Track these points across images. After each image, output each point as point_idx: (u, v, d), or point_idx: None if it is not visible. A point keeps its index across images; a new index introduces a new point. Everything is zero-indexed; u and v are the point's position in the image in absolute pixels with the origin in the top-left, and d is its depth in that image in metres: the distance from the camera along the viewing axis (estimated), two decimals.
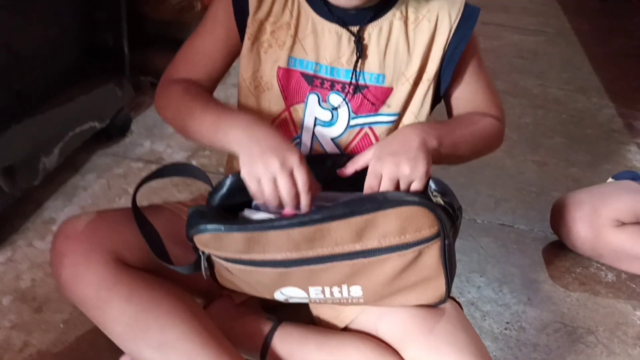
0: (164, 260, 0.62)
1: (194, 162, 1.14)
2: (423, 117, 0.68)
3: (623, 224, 0.94)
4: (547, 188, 1.16)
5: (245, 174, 0.58)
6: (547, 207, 1.04)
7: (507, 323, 0.86)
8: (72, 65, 1.06)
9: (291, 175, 0.57)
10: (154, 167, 1.10)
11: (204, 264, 0.60)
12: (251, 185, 0.58)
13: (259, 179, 0.57)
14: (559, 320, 0.88)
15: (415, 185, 0.59)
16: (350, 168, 0.63)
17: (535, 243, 1.03)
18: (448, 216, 0.58)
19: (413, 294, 0.62)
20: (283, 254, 0.58)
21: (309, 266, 0.58)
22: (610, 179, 1.05)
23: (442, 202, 0.58)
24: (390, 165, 0.59)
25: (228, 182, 0.61)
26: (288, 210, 0.59)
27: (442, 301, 0.63)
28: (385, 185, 0.59)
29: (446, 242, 0.58)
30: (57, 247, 0.62)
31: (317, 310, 0.69)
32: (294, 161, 0.57)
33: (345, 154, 0.67)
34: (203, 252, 0.60)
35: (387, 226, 0.56)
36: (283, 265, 0.58)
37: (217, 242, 0.58)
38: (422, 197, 0.58)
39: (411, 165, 0.59)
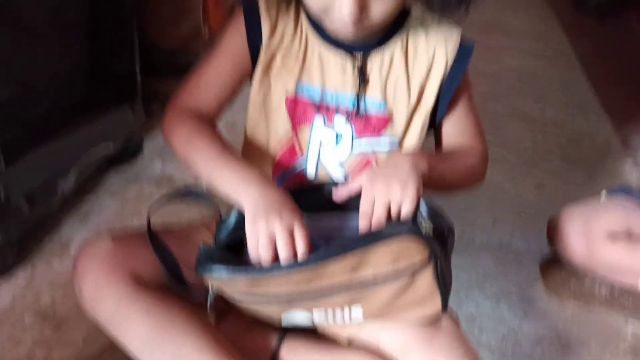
0: (177, 282, 0.66)
1: (203, 184, 1.19)
2: (421, 145, 0.73)
3: (616, 237, 0.98)
4: (544, 209, 1.19)
5: (248, 227, 0.61)
6: (544, 227, 1.07)
7: (504, 337, 0.90)
8: (87, 92, 1.12)
9: (291, 235, 0.61)
10: (165, 189, 1.16)
11: (210, 298, 0.65)
12: (250, 241, 0.61)
13: (257, 235, 0.61)
14: (553, 334, 0.91)
15: (406, 208, 0.63)
16: (345, 192, 0.67)
17: (532, 261, 1.07)
18: (438, 239, 0.62)
19: (411, 311, 0.66)
20: (285, 289, 0.62)
21: (310, 298, 0.63)
22: (603, 193, 1.08)
23: (430, 226, 0.62)
24: (381, 187, 0.63)
25: (233, 217, 0.66)
26: None
27: (439, 315, 0.67)
28: (379, 209, 0.63)
29: (438, 263, 0.62)
30: (79, 266, 0.67)
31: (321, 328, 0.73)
32: (296, 221, 0.61)
33: (342, 183, 0.71)
34: (212, 286, 0.64)
35: (379, 258, 0.61)
36: (285, 298, 0.63)
37: (222, 282, 0.63)
38: (411, 226, 0.62)
39: (402, 187, 0.63)
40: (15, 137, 0.91)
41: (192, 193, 0.73)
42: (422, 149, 0.75)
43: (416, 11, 0.72)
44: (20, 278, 0.92)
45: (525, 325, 0.92)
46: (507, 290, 0.99)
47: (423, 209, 0.64)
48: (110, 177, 1.16)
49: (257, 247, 0.61)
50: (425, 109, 0.72)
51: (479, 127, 0.78)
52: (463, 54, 0.72)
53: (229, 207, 0.67)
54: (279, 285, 0.61)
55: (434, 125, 0.76)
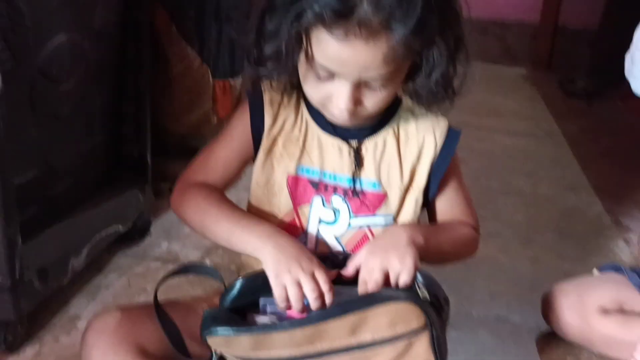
0: (182, 353, 0.69)
1: (207, 261, 1.23)
2: (416, 220, 0.79)
3: (608, 311, 1.01)
4: (540, 282, 1.22)
5: (272, 280, 0.67)
6: (540, 300, 1.10)
7: None
8: (101, 175, 1.19)
9: (313, 277, 0.66)
10: (171, 266, 1.19)
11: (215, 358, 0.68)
12: (277, 290, 0.67)
13: (284, 284, 0.66)
14: None
15: (404, 278, 0.67)
16: (351, 267, 0.72)
17: (530, 334, 1.09)
18: (434, 307, 0.66)
19: None
20: (287, 352, 0.65)
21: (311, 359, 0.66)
22: (595, 271, 1.12)
23: (427, 294, 0.66)
24: (380, 260, 0.68)
25: (238, 285, 0.70)
26: (294, 313, 0.68)
27: None
28: (376, 274, 0.67)
29: (434, 332, 0.66)
30: (88, 340, 0.70)
31: None
32: (314, 266, 0.67)
33: (343, 253, 0.76)
34: (215, 351, 0.68)
35: (378, 321, 0.65)
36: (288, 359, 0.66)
37: (227, 343, 0.66)
38: (409, 292, 0.67)
39: (400, 259, 0.68)
40: (34, 215, 0.96)
41: (197, 267, 0.78)
42: (418, 222, 0.80)
43: (407, 101, 0.80)
44: (28, 352, 0.94)
45: None
46: None
47: (419, 278, 0.68)
48: (118, 255, 1.21)
49: (285, 297, 0.66)
50: (418, 188, 0.78)
51: (469, 202, 0.84)
52: (451, 138, 0.79)
53: (232, 278, 0.72)
54: (281, 346, 0.64)
55: (427, 203, 0.81)
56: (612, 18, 2.49)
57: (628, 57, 1.29)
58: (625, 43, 1.32)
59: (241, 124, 0.79)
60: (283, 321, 0.66)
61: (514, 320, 1.12)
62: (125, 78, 1.19)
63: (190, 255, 1.25)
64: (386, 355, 0.66)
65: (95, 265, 1.15)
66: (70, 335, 0.99)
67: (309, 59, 0.68)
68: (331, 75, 0.68)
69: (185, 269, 0.79)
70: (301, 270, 0.67)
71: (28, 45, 0.90)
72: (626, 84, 1.34)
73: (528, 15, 2.91)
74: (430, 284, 0.68)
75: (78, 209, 1.08)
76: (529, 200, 1.61)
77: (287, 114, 0.77)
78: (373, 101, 0.70)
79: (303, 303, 0.66)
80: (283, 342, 0.65)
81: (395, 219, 0.79)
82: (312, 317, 0.65)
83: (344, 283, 0.71)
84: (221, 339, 0.65)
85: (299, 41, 0.67)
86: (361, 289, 0.68)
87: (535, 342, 1.07)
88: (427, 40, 0.67)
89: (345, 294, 0.69)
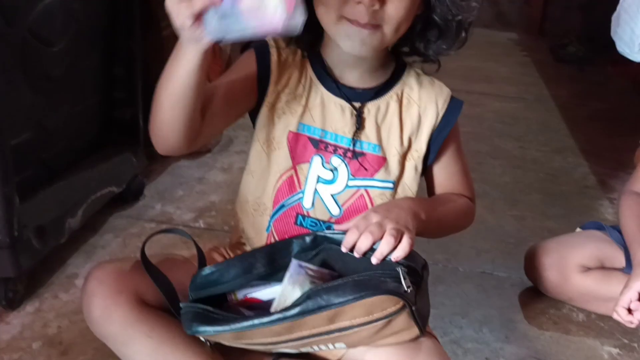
0: (174, 308, 0.72)
1: (200, 222, 1.26)
2: (414, 188, 0.81)
3: (589, 269, 1.04)
4: (524, 239, 1.26)
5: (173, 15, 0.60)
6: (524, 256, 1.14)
7: (487, 358, 0.95)
8: (94, 137, 1.20)
9: None
10: (165, 227, 1.22)
11: (203, 339, 0.71)
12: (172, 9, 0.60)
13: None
14: (533, 356, 0.96)
15: (398, 253, 0.68)
16: (344, 225, 0.73)
17: (513, 288, 1.13)
18: (413, 276, 0.68)
19: (391, 340, 0.71)
20: (268, 339, 0.69)
21: (292, 342, 0.69)
22: (578, 229, 1.15)
23: (404, 271, 0.67)
24: (381, 217, 0.70)
25: (201, 277, 0.72)
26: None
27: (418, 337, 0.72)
28: (373, 231, 0.68)
29: (413, 308, 0.67)
30: (88, 289, 0.73)
31: None
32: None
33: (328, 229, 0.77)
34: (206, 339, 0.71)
35: (355, 312, 0.66)
36: (270, 344, 0.70)
37: (211, 337, 0.69)
38: (385, 279, 0.67)
39: (398, 225, 0.69)
40: (30, 176, 0.98)
41: (175, 231, 0.82)
42: (418, 194, 0.81)
43: (413, 70, 0.81)
44: (29, 308, 0.97)
45: (507, 348, 0.98)
46: (490, 316, 1.05)
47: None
48: (114, 217, 1.23)
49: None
50: (417, 155, 0.80)
51: (467, 175, 0.86)
52: (452, 109, 0.81)
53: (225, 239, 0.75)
54: (262, 336, 0.67)
55: (425, 170, 0.83)
56: None
57: (614, 18, 1.31)
58: (616, 8, 1.33)
59: (245, 72, 0.78)
60: (261, 317, 0.66)
61: (498, 275, 1.16)
62: (117, 40, 1.19)
63: (184, 216, 1.27)
64: (366, 332, 0.68)
65: (91, 226, 1.17)
66: (68, 293, 1.02)
67: None
68: None
69: (165, 231, 0.81)
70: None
71: (18, 6, 0.91)
72: (616, 49, 1.36)
73: None
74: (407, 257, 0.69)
75: (73, 170, 1.10)
76: (516, 163, 1.64)
77: (292, 71, 0.78)
78: (395, 4, 0.69)
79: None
80: (263, 334, 0.67)
81: (395, 184, 0.80)
82: (287, 315, 0.65)
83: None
84: (204, 335, 0.69)
85: None
86: (350, 237, 0.69)
87: (518, 296, 1.11)
88: None
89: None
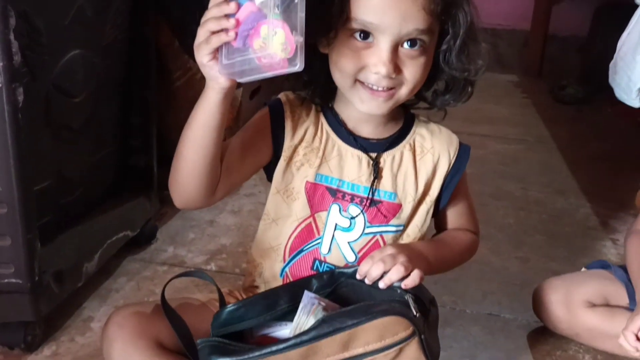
0: (190, 352, 0.75)
1: (212, 264, 1.29)
2: (424, 229, 0.86)
3: (594, 305, 1.07)
4: (529, 281, 1.28)
5: (197, 50, 0.68)
6: (530, 298, 1.16)
7: None
8: (110, 183, 1.24)
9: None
10: (177, 270, 1.25)
11: None
12: (200, 38, 0.67)
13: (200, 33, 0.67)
14: None
15: (408, 282, 0.73)
16: (364, 268, 0.76)
17: (520, 330, 1.15)
18: (420, 308, 0.71)
19: None
20: None
21: None
22: (583, 269, 1.18)
23: (412, 298, 0.71)
24: (394, 253, 0.75)
25: (225, 314, 0.74)
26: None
27: None
28: (384, 258, 0.74)
29: (422, 337, 0.71)
30: (108, 334, 0.76)
31: None
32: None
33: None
34: None
35: (367, 336, 0.69)
36: None
37: None
38: (395, 305, 0.71)
39: (410, 261, 0.74)
40: (49, 222, 1.02)
41: (195, 274, 0.84)
42: (425, 236, 0.87)
43: (420, 119, 0.86)
44: (46, 352, 0.99)
45: None
46: (498, 358, 1.07)
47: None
48: (127, 260, 1.26)
49: (207, 32, 0.66)
50: (430, 200, 0.85)
51: (473, 212, 0.93)
52: (462, 155, 0.86)
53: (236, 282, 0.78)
54: None
55: (436, 212, 0.88)
56: (601, 26, 2.56)
57: (612, 65, 1.36)
58: (613, 51, 1.38)
59: (259, 129, 0.82)
60: (278, 344, 0.69)
61: (505, 317, 1.18)
62: (133, 92, 1.25)
63: (196, 259, 1.30)
64: None
65: (106, 270, 1.20)
66: (84, 336, 1.04)
67: (348, 21, 0.71)
68: (368, 45, 0.72)
69: (186, 274, 0.85)
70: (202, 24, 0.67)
71: (44, 61, 0.96)
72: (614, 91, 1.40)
73: (519, 24, 2.99)
74: (414, 288, 0.73)
75: (90, 215, 1.14)
76: (519, 204, 1.67)
77: (307, 125, 0.82)
78: (410, 70, 0.74)
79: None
80: None
81: (405, 226, 0.84)
82: (303, 340, 0.68)
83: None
84: None
85: (341, 5, 0.71)
86: (364, 266, 0.74)
87: (526, 338, 1.13)
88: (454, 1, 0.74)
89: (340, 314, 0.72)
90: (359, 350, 0.69)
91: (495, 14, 2.99)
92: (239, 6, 0.65)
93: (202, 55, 0.67)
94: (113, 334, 0.75)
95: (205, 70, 0.69)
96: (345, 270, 0.78)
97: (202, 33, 0.66)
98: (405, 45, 0.73)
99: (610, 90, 1.41)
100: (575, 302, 1.07)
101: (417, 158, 0.84)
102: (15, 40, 0.85)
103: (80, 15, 1.02)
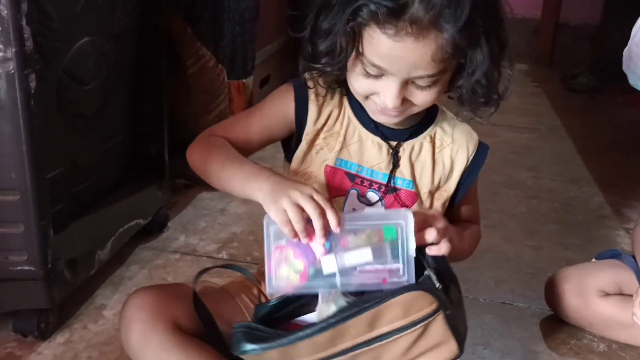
0: (216, 338, 0.75)
1: (223, 253, 1.28)
2: None
3: (608, 294, 1.06)
4: (542, 269, 1.27)
5: (272, 211, 0.68)
6: (543, 286, 1.15)
7: None
8: (122, 172, 1.24)
9: (312, 199, 0.68)
10: (189, 258, 1.25)
11: None
12: (277, 215, 0.68)
13: (283, 209, 0.67)
14: None
15: (442, 249, 0.73)
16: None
17: (534, 318, 1.14)
18: (443, 287, 0.71)
19: (431, 356, 0.73)
20: (313, 357, 0.70)
21: (337, 358, 0.71)
22: (593, 260, 1.17)
23: (434, 273, 0.71)
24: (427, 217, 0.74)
25: (274, 302, 0.75)
26: (317, 241, 0.68)
27: (458, 356, 0.75)
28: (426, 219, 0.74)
29: (447, 312, 0.71)
30: (127, 315, 0.76)
31: None
32: (311, 190, 0.69)
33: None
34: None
35: (392, 313, 0.69)
36: None
37: (257, 357, 0.71)
38: (419, 281, 0.71)
39: (445, 230, 0.75)
40: (62, 210, 1.02)
41: (231, 266, 0.83)
42: None
43: (446, 112, 0.85)
44: (59, 339, 1.00)
45: None
46: (511, 346, 1.06)
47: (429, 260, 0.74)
48: (139, 248, 1.26)
49: (287, 220, 0.67)
50: (446, 194, 0.85)
51: (478, 205, 0.94)
52: (480, 154, 0.86)
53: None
54: (307, 353, 0.69)
55: (450, 207, 0.88)
56: (613, 14, 2.53)
57: (626, 52, 1.34)
58: (626, 39, 1.36)
59: (282, 109, 0.81)
60: (305, 328, 0.69)
61: (518, 306, 1.17)
62: (143, 80, 1.24)
63: (207, 247, 1.30)
64: (405, 341, 0.71)
65: (118, 258, 1.20)
66: (97, 324, 1.04)
67: (360, 55, 0.71)
68: (380, 74, 0.71)
69: (219, 266, 0.85)
70: (299, 193, 0.67)
71: (55, 48, 0.96)
72: (627, 79, 1.39)
73: (529, 12, 2.95)
74: (436, 262, 0.74)
75: (102, 204, 1.14)
76: (531, 193, 1.66)
77: (330, 109, 0.81)
78: (419, 100, 0.74)
79: (305, 223, 0.67)
80: (308, 349, 0.69)
81: None
82: (330, 322, 0.69)
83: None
84: (251, 356, 0.70)
85: (353, 38, 0.70)
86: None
87: (540, 326, 1.12)
88: (472, 41, 0.70)
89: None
90: (385, 328, 0.69)
91: (504, 2, 2.96)
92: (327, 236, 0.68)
93: (291, 228, 0.68)
94: (131, 315, 0.75)
95: (275, 215, 0.69)
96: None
97: (290, 207, 0.67)
98: (416, 81, 0.72)
99: (622, 79, 1.39)
100: (589, 291, 1.06)
101: (436, 151, 0.83)
102: (27, 26, 0.85)
103: (91, 2, 1.01)
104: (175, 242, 1.31)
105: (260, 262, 0.93)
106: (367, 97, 0.76)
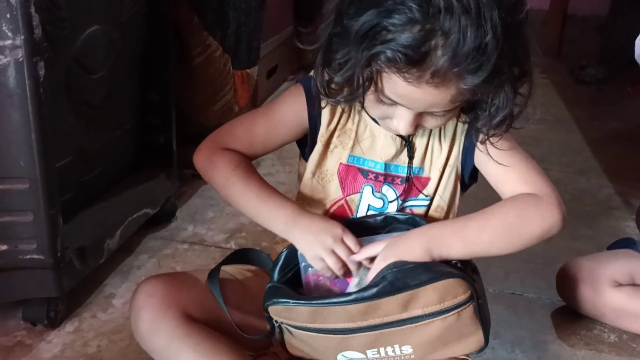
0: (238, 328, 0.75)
1: (232, 243, 1.28)
2: (447, 198, 0.81)
3: (620, 284, 1.05)
4: (553, 260, 1.26)
5: (310, 259, 0.73)
6: (554, 277, 1.14)
7: None
8: (130, 161, 1.24)
9: (343, 242, 0.72)
10: (197, 248, 1.25)
11: (277, 331, 0.75)
12: (317, 265, 0.73)
13: (321, 258, 0.72)
14: None
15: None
16: (363, 254, 0.74)
17: (544, 309, 1.13)
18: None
19: (457, 347, 0.74)
20: (341, 325, 0.70)
21: (364, 333, 0.71)
22: (606, 250, 1.16)
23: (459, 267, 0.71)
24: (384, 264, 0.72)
25: (283, 255, 0.76)
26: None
27: (482, 349, 0.74)
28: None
29: (479, 301, 0.71)
30: (137, 303, 0.76)
31: None
32: (340, 232, 0.73)
33: (374, 215, 0.81)
34: (276, 321, 0.74)
35: (427, 298, 0.69)
36: (342, 332, 0.71)
37: (287, 313, 0.72)
38: (456, 268, 0.71)
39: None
40: (71, 198, 1.01)
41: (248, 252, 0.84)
42: (452, 206, 0.81)
43: None
44: (69, 328, 1.00)
45: None
46: (521, 337, 1.05)
47: None
48: (148, 238, 1.26)
49: (327, 267, 0.72)
50: (451, 166, 0.80)
51: (527, 166, 0.77)
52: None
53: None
54: (336, 319, 0.69)
55: (468, 183, 0.83)
56: (621, 5, 2.51)
57: (638, 41, 1.32)
58: (634, 30, 1.35)
59: (293, 112, 0.80)
60: (339, 296, 0.71)
61: (528, 296, 1.17)
62: (151, 68, 1.24)
63: (216, 237, 1.30)
64: (435, 328, 0.70)
65: (127, 247, 1.20)
66: (106, 313, 1.04)
67: (377, 88, 0.67)
68: (395, 103, 0.69)
69: (239, 257, 0.84)
70: (332, 241, 0.72)
71: (64, 36, 0.95)
72: (635, 70, 1.37)
73: (537, 3, 2.93)
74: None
75: (110, 193, 1.13)
76: None
77: (342, 107, 0.79)
78: (431, 124, 0.72)
79: (345, 268, 0.73)
80: (338, 316, 0.70)
81: (432, 200, 0.81)
82: (365, 296, 0.69)
83: None
84: (282, 308, 0.71)
85: (370, 76, 0.66)
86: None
87: (550, 317, 1.12)
88: (496, 87, 0.66)
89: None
90: (418, 311, 0.69)
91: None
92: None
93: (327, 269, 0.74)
94: (142, 303, 0.75)
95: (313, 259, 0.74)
96: (398, 216, 0.78)
97: (328, 257, 0.72)
98: (431, 112, 0.70)
99: (630, 70, 1.38)
100: (602, 282, 1.05)
101: (441, 130, 0.80)
102: (36, 14, 0.84)
103: None
104: (183, 232, 1.31)
105: (270, 253, 0.93)
106: (381, 120, 0.75)
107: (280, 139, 0.82)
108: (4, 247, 0.92)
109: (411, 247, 0.72)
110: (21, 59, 0.84)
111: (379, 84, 0.67)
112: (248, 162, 0.81)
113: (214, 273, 0.77)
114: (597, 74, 2.57)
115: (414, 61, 0.61)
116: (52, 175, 0.91)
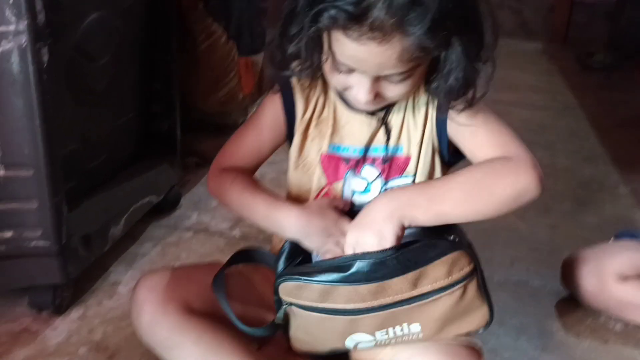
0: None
1: (237, 230, 1.28)
2: (426, 173, 0.79)
3: (626, 277, 1.04)
4: (558, 248, 1.26)
5: (319, 252, 0.74)
6: (559, 265, 1.13)
7: None
8: (133, 149, 1.23)
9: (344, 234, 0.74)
10: (202, 236, 1.25)
11: (283, 310, 0.74)
12: (328, 256, 0.74)
13: (328, 251, 0.74)
14: None
15: None
16: None
17: (549, 297, 1.13)
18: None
19: (465, 323, 0.74)
20: (351, 305, 0.70)
21: (374, 313, 0.71)
22: (612, 239, 1.15)
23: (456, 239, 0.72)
24: (355, 237, 0.72)
25: (287, 246, 0.75)
26: None
27: (488, 324, 0.75)
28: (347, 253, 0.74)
29: (479, 275, 0.72)
30: (138, 297, 0.76)
31: (356, 355, 0.80)
32: (340, 224, 0.75)
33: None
34: (285, 302, 0.73)
35: (436, 273, 0.69)
36: (352, 313, 0.71)
37: (298, 291, 0.71)
38: (458, 242, 0.72)
39: (377, 237, 0.71)
40: (75, 186, 1.01)
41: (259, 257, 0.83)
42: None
43: None
44: (74, 314, 1.00)
45: (544, 356, 0.98)
46: (526, 324, 1.05)
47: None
48: (152, 226, 1.26)
49: (338, 254, 0.72)
50: (427, 142, 0.79)
51: (502, 132, 0.76)
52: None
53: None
54: (346, 299, 0.69)
55: (450, 159, 0.81)
56: None
57: None
58: None
59: (271, 113, 0.82)
60: (350, 277, 0.70)
61: (533, 284, 1.16)
62: (154, 56, 1.23)
63: (220, 225, 1.30)
64: (444, 304, 0.70)
65: (131, 235, 1.20)
66: (112, 300, 1.04)
67: (331, 54, 0.70)
68: (351, 70, 0.70)
69: (243, 257, 0.83)
70: (334, 233, 0.74)
71: (65, 23, 0.95)
72: None
73: None
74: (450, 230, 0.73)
75: (115, 180, 1.13)
76: (547, 171, 1.58)
77: (317, 97, 0.80)
78: (392, 94, 0.72)
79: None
80: (348, 295, 0.70)
81: (414, 176, 0.80)
82: (376, 274, 0.69)
83: None
84: (294, 286, 0.71)
85: (319, 41, 0.69)
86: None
87: (554, 305, 1.11)
88: (442, 42, 0.66)
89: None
90: (427, 287, 0.69)
91: None
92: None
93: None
94: (143, 297, 0.75)
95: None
96: None
97: (335, 248, 0.74)
98: (387, 77, 0.70)
99: (638, 57, 1.36)
100: (607, 275, 1.04)
101: (415, 105, 0.79)
102: None
103: None
104: (187, 220, 1.31)
105: (273, 239, 0.93)
106: (343, 92, 0.75)
107: (270, 144, 0.83)
108: (10, 234, 0.92)
109: (375, 210, 0.72)
110: (24, 45, 0.84)
111: (331, 48, 0.69)
112: (250, 178, 0.82)
113: (218, 278, 0.77)
114: (605, 60, 2.55)
115: (354, 17, 0.63)
116: (56, 163, 0.91)
